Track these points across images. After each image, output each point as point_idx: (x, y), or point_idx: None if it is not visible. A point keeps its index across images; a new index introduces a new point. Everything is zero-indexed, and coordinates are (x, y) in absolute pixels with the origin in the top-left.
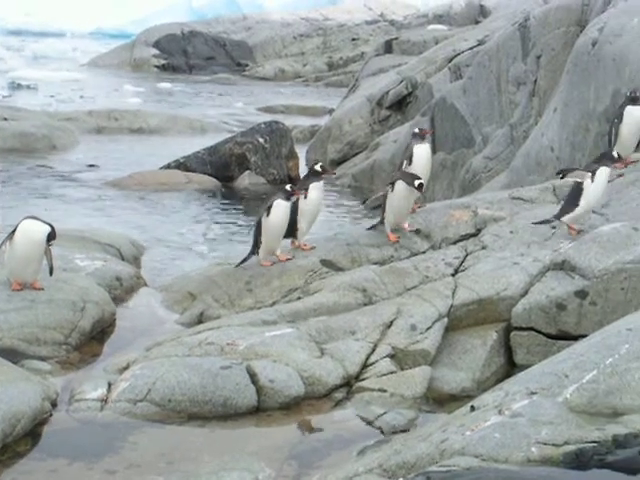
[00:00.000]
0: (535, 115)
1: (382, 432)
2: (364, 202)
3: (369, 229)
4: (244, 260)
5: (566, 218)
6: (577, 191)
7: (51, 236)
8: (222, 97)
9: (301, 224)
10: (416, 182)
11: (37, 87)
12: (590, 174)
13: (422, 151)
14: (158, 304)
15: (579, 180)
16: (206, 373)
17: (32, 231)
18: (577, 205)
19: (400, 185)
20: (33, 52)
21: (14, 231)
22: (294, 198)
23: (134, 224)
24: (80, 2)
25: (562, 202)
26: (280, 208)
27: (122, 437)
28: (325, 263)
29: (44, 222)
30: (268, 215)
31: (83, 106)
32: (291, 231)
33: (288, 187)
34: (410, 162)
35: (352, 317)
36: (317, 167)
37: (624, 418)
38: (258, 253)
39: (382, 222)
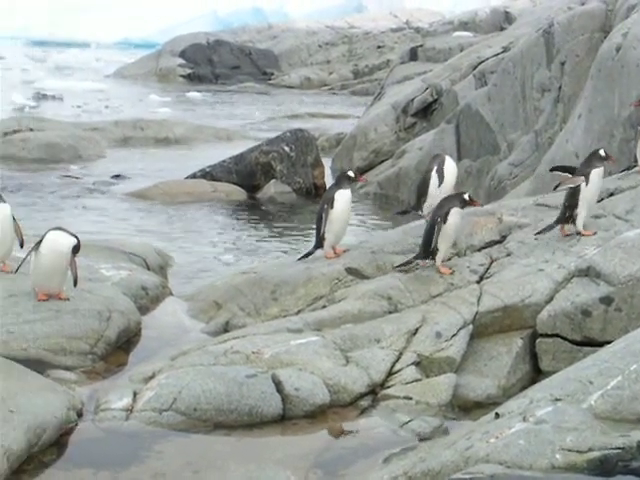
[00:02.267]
0: (560, 121)
1: (407, 440)
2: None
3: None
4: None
5: (578, 226)
6: (574, 196)
7: (76, 248)
8: (247, 106)
9: (329, 234)
10: (465, 196)
11: (62, 97)
12: (583, 178)
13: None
14: (184, 313)
15: (573, 185)
16: (232, 382)
17: (58, 243)
18: (577, 211)
19: (455, 213)
20: (55, 63)
21: (40, 242)
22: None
23: (160, 233)
24: (106, 13)
25: (560, 208)
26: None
27: (148, 446)
28: (350, 271)
29: (70, 234)
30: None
31: (109, 116)
32: (318, 241)
33: (350, 173)
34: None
35: (377, 325)
36: (349, 173)
37: None
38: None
39: (426, 256)
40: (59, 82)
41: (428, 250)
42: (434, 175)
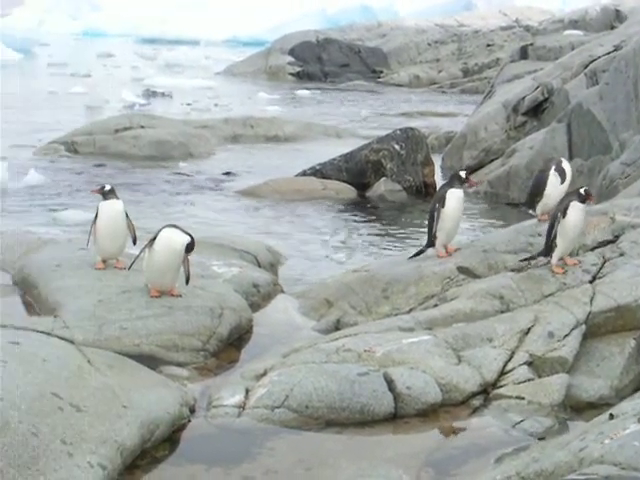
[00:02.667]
0: None
1: (520, 440)
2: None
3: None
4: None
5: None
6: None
7: (190, 246)
8: (356, 104)
9: (440, 232)
10: (582, 191)
11: (172, 95)
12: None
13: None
14: (295, 311)
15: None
16: (343, 380)
17: (172, 240)
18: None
19: (575, 206)
20: (165, 60)
21: (154, 239)
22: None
23: (270, 231)
24: (215, 11)
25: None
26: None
27: (260, 443)
28: (462, 270)
29: (184, 232)
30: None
31: (218, 114)
32: (430, 240)
33: (462, 173)
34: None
35: (489, 324)
36: (462, 173)
37: None
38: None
39: (548, 253)
40: (169, 79)
41: (550, 247)
42: (553, 174)
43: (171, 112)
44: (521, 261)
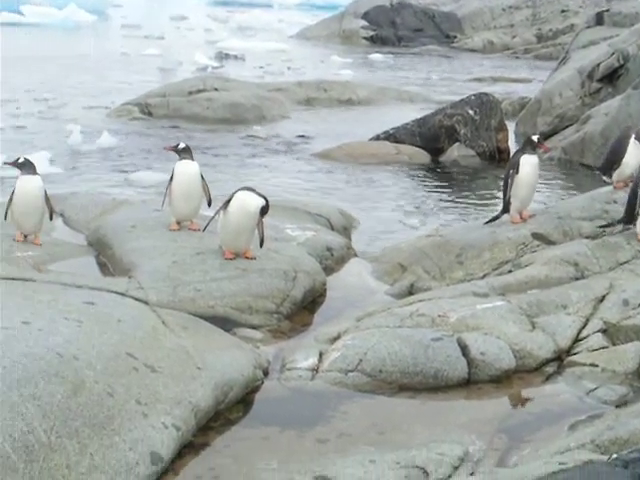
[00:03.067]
0: None
1: (593, 407)
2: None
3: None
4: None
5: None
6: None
7: (264, 209)
8: (430, 68)
9: (515, 199)
10: None
11: (244, 58)
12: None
13: None
14: (368, 275)
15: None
16: (417, 344)
17: (246, 203)
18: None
19: None
20: (238, 23)
21: (228, 201)
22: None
23: (343, 195)
24: None
25: None
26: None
27: (333, 406)
28: (536, 236)
29: (258, 194)
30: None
31: (291, 77)
32: (505, 206)
33: (535, 138)
34: None
35: (564, 291)
36: (534, 137)
37: None
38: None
39: (629, 221)
40: (242, 42)
41: (631, 215)
42: (634, 142)
43: (244, 75)
44: (599, 227)
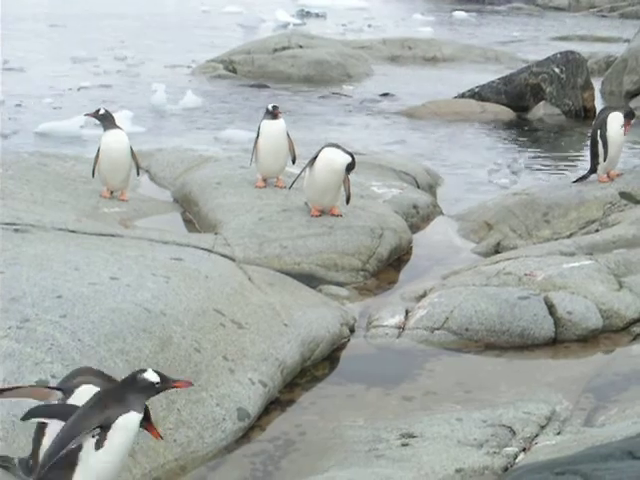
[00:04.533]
0: None
1: None
2: None
3: None
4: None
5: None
6: None
7: (351, 166)
8: (516, 27)
9: (602, 157)
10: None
11: (326, 15)
12: None
13: None
14: (454, 233)
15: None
16: (504, 303)
17: (333, 160)
18: None
19: None
20: None
21: (315, 158)
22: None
23: (429, 152)
24: None
25: None
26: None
27: (419, 364)
28: (624, 195)
29: (345, 151)
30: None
31: (372, 35)
32: (593, 165)
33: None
34: None
35: None
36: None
37: None
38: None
39: None
40: (323, 0)
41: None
42: None
43: (325, 33)
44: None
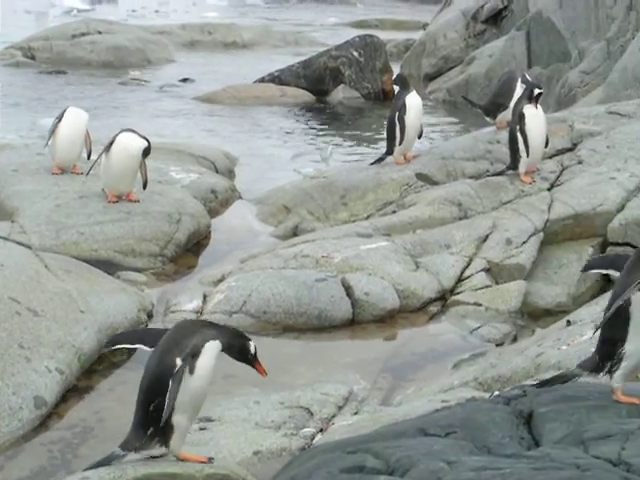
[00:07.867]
0: (632, 29)
1: (477, 346)
2: None
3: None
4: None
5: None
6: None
7: (147, 151)
8: (314, 11)
9: (398, 140)
10: (536, 91)
11: (117, 1)
12: None
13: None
14: (253, 217)
15: None
16: (301, 285)
17: (128, 145)
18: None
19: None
20: None
21: (111, 144)
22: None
23: (228, 137)
24: None
25: None
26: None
27: None
28: (420, 177)
29: (140, 136)
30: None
31: (159, 21)
32: (389, 147)
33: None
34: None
35: (447, 231)
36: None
37: None
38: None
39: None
40: None
41: (516, 160)
42: (520, 86)
43: (110, 19)
44: (488, 175)
